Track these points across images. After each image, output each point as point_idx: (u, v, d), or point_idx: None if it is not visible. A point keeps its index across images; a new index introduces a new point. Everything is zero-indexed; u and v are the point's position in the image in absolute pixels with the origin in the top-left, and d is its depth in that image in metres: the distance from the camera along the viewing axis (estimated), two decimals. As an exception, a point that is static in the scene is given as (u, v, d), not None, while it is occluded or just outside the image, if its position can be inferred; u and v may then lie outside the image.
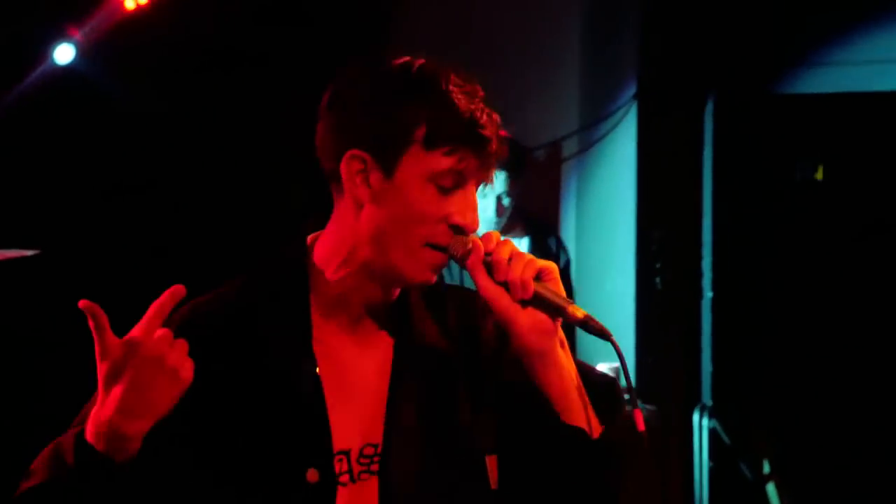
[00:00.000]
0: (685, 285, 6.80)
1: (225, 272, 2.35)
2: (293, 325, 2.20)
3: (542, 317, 2.15)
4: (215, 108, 5.83)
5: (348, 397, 2.20)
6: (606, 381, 2.27)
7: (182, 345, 2.01)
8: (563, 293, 2.16)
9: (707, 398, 6.75)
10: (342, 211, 2.19)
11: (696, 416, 6.59)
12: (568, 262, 6.00)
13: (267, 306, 2.21)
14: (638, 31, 6.79)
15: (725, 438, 6.56)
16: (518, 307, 2.15)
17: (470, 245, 2.15)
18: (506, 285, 2.15)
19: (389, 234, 2.15)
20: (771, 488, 6.46)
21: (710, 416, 6.57)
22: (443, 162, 2.12)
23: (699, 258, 6.88)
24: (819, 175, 6.73)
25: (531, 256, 2.17)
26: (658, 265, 6.68)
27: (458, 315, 2.34)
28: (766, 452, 6.54)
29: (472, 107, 2.13)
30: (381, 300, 2.23)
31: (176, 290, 2.01)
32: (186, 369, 2.01)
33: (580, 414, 2.18)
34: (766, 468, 6.51)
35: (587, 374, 2.24)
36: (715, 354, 6.77)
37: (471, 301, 2.34)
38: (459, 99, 2.12)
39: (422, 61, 2.17)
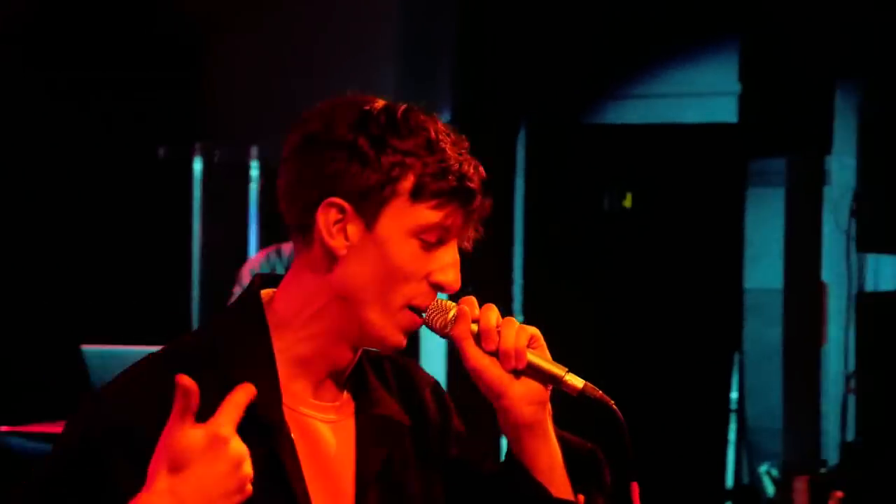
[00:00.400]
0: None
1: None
2: (265, 393, 1.95)
3: (535, 386, 2.00)
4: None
5: (320, 471, 2.02)
6: (587, 450, 2.12)
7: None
8: (551, 359, 2.02)
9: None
10: (308, 264, 1.98)
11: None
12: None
13: (238, 373, 1.95)
14: (452, 56, 6.88)
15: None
16: (510, 378, 1.99)
17: (453, 313, 1.99)
18: (495, 354, 1.99)
19: (367, 292, 1.96)
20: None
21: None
22: (429, 216, 1.94)
23: (510, 283, 7.03)
24: (627, 203, 6.96)
25: (518, 322, 2.01)
26: (470, 289, 6.77)
27: (399, 383, 2.16)
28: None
29: (461, 158, 1.96)
30: (345, 364, 2.04)
31: (249, 390, 1.80)
32: (249, 480, 1.80)
33: (567, 488, 2.06)
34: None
35: (567, 441, 2.11)
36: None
37: (407, 369, 2.18)
38: (449, 149, 1.95)
39: (404, 106, 1.97)
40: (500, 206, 5.91)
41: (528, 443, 2.03)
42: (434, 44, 6.95)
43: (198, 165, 6.48)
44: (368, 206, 1.93)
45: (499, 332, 1.98)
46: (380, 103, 1.98)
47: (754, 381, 6.82)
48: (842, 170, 6.15)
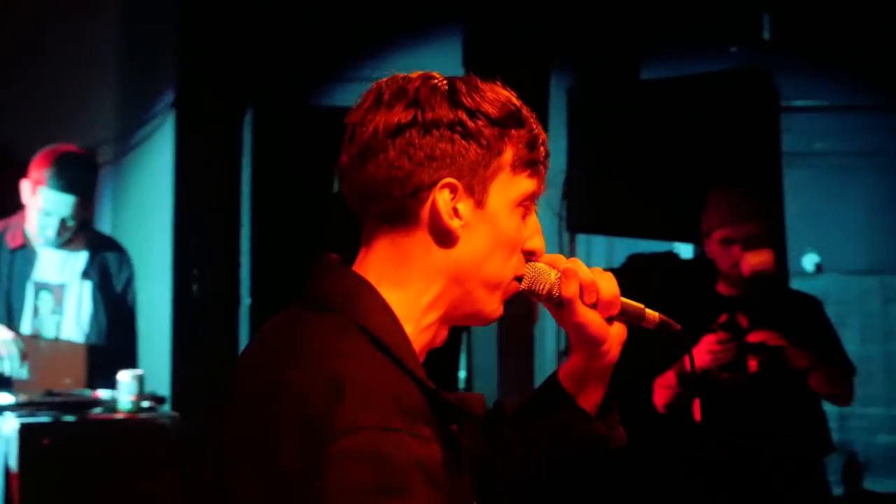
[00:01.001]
0: (223, 292, 6.92)
1: None
2: (427, 393, 1.89)
3: (622, 328, 2.12)
4: None
5: None
6: None
7: None
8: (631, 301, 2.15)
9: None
10: (410, 249, 1.95)
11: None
12: (131, 277, 5.97)
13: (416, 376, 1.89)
14: (175, 38, 6.83)
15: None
16: (607, 324, 2.10)
17: (555, 274, 2.05)
18: (593, 305, 2.08)
19: (482, 269, 1.96)
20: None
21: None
22: (528, 185, 1.98)
23: (237, 266, 7.02)
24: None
25: (600, 269, 2.11)
26: (195, 272, 6.76)
27: None
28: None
29: (539, 126, 2.02)
30: (439, 346, 2.03)
31: None
32: None
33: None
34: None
35: None
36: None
37: None
38: (532, 118, 2.00)
39: (473, 77, 2.00)
40: (226, 189, 5.90)
41: (601, 386, 2.14)
42: (156, 27, 6.88)
43: None
44: (478, 183, 1.94)
45: (596, 285, 2.07)
46: (434, 75, 1.99)
47: (480, 361, 6.96)
48: (556, 154, 6.32)
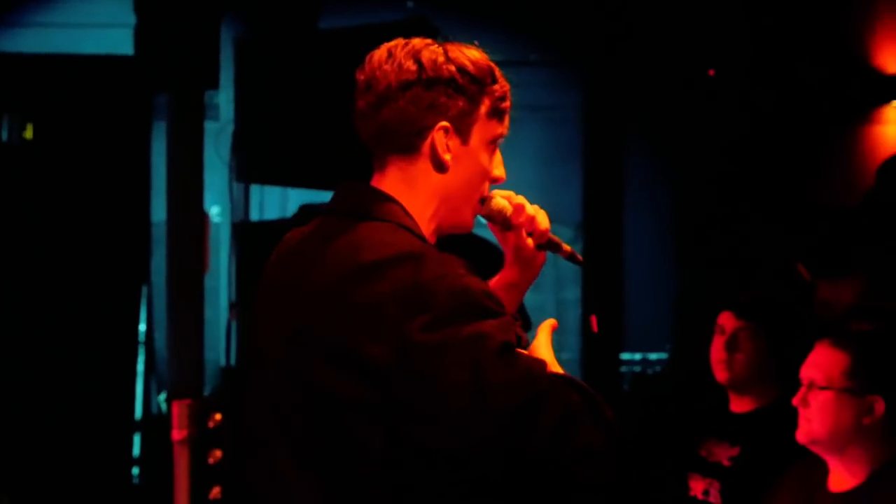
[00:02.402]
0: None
1: None
2: None
3: (544, 254, 2.78)
4: None
5: None
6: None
7: None
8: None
9: None
10: (414, 176, 2.62)
11: None
12: None
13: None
14: None
15: None
16: (537, 250, 2.76)
17: (507, 204, 2.71)
18: (531, 234, 2.74)
19: (464, 190, 2.63)
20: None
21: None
22: (498, 129, 2.65)
23: None
24: (28, 134, 6.90)
25: (538, 207, 2.75)
26: None
27: None
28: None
29: (505, 83, 2.67)
30: None
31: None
32: None
33: None
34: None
35: None
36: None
37: None
38: (501, 77, 2.65)
39: (468, 45, 2.65)
40: None
41: (520, 299, 2.80)
42: None
43: None
44: (464, 126, 2.60)
45: (535, 219, 2.73)
46: (433, 42, 2.64)
47: (162, 313, 6.96)
48: (228, 104, 6.40)
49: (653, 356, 8.58)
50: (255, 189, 6.70)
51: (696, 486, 4.25)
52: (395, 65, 2.59)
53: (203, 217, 6.02)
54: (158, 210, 6.51)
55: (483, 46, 2.65)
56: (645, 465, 5.10)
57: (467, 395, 2.34)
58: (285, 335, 2.53)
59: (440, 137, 2.59)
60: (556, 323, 2.68)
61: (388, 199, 2.60)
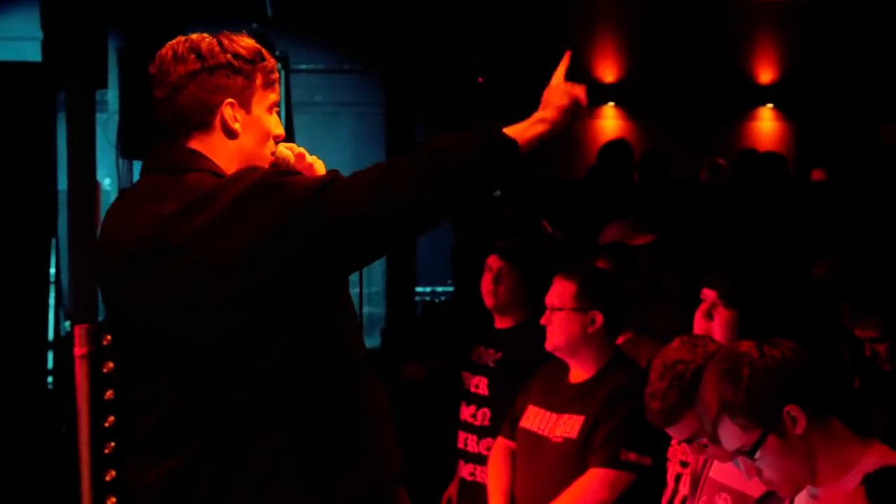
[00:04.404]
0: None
1: None
2: None
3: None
4: None
5: None
6: None
7: None
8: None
9: None
10: (214, 144, 2.41)
11: None
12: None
13: None
14: None
15: None
16: None
17: (291, 156, 2.50)
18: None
19: (255, 150, 2.44)
20: None
21: None
22: (272, 96, 2.47)
23: None
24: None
25: (316, 157, 2.55)
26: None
27: None
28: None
29: (271, 57, 2.48)
30: None
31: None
32: None
33: None
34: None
35: None
36: None
37: None
38: (267, 54, 2.47)
39: (234, 33, 2.45)
40: None
41: None
42: None
43: None
44: (245, 99, 2.42)
45: (313, 166, 2.53)
46: (208, 36, 2.42)
47: (66, 260, 6.72)
48: (114, 99, 6.23)
49: (440, 289, 8.61)
50: (136, 164, 6.51)
51: (470, 381, 4.26)
52: (181, 58, 2.39)
53: (96, 186, 5.85)
54: (62, 181, 6.30)
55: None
56: (431, 369, 5.12)
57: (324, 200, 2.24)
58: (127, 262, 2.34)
59: (228, 112, 2.41)
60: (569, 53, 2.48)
61: (200, 154, 2.40)
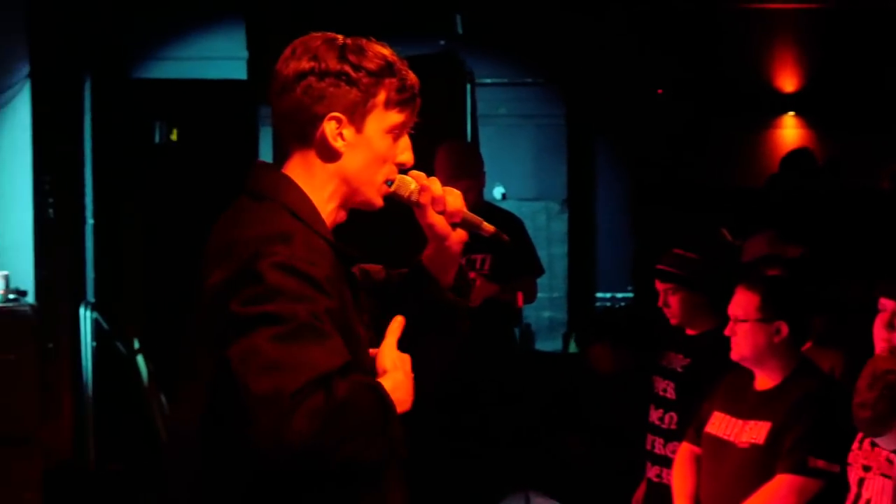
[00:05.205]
0: (72, 215, 6.87)
1: None
2: (329, 244, 2.13)
3: (463, 233, 2.24)
4: None
5: None
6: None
7: None
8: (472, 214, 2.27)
9: (90, 296, 6.92)
10: (311, 160, 2.10)
11: (81, 310, 6.70)
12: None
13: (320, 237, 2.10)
14: (26, 21, 6.57)
15: (104, 325, 6.73)
16: (450, 228, 2.22)
17: (415, 185, 2.18)
18: (443, 213, 2.21)
19: (361, 174, 2.12)
20: (140, 359, 6.72)
21: (93, 310, 6.72)
22: (396, 118, 2.13)
23: (83, 196, 6.98)
24: (174, 137, 7.05)
25: (451, 188, 2.22)
26: (50, 200, 6.67)
27: None
28: (134, 334, 6.79)
29: (410, 75, 2.14)
30: (342, 222, 2.22)
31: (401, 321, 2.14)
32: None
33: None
34: (136, 345, 6.75)
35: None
36: (96, 265, 6.97)
37: None
38: (403, 68, 2.13)
39: (362, 38, 2.13)
40: (71, 139, 5.73)
41: (450, 270, 2.28)
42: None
43: None
44: (358, 116, 2.09)
45: (444, 199, 2.19)
46: (341, 37, 2.12)
47: None
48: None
49: (619, 295, 8.65)
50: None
51: (658, 385, 4.29)
52: (296, 58, 2.09)
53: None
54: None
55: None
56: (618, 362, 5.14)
57: (238, 367, 1.91)
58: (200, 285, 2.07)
59: (331, 127, 2.09)
60: (404, 319, 2.15)
61: (284, 179, 2.11)
